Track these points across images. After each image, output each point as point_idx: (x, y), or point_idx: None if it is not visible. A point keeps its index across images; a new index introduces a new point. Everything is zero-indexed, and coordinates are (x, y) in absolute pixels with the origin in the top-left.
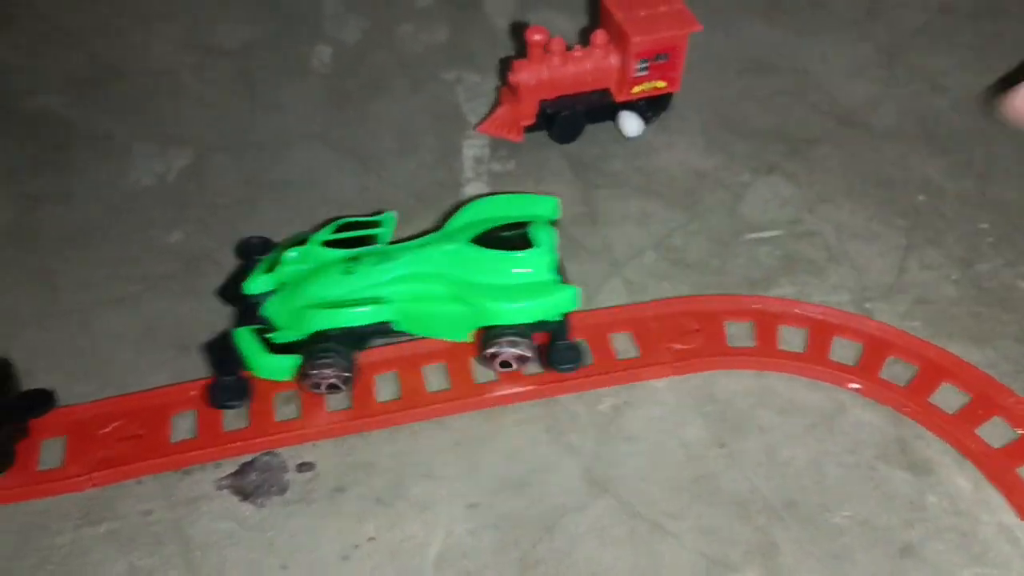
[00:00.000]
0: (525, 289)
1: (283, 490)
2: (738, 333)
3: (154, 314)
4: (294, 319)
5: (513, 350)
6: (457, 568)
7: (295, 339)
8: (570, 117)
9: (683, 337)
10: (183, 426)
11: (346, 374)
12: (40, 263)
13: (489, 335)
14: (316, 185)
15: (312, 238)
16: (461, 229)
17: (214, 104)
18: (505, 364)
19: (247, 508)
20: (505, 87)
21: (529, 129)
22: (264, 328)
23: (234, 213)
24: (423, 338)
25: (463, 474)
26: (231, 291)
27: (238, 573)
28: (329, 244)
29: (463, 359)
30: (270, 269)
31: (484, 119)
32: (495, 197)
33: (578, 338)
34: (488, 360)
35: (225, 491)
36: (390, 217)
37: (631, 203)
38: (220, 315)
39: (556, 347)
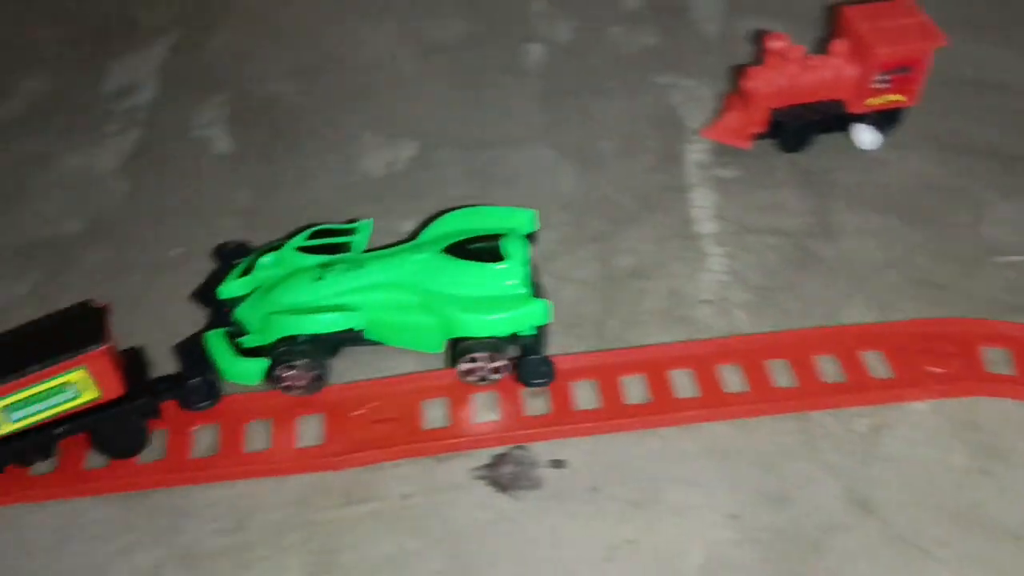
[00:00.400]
0: (495, 301)
1: (537, 485)
2: (995, 359)
3: None
4: (263, 324)
5: (487, 364)
6: None
7: (263, 343)
8: (801, 126)
9: (939, 360)
10: (433, 414)
11: (317, 375)
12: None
13: (461, 348)
14: (542, 183)
15: (287, 244)
16: (434, 239)
17: (434, 97)
18: (483, 379)
19: (504, 500)
20: (733, 93)
21: (757, 137)
22: (235, 332)
23: (468, 204)
24: (394, 346)
25: (720, 483)
26: (205, 294)
27: (504, 563)
28: (304, 250)
29: (710, 366)
30: (245, 273)
31: (710, 124)
32: (471, 209)
33: (826, 353)
34: (463, 374)
35: (481, 481)
36: (366, 225)
37: (867, 217)
38: None
39: (528, 361)
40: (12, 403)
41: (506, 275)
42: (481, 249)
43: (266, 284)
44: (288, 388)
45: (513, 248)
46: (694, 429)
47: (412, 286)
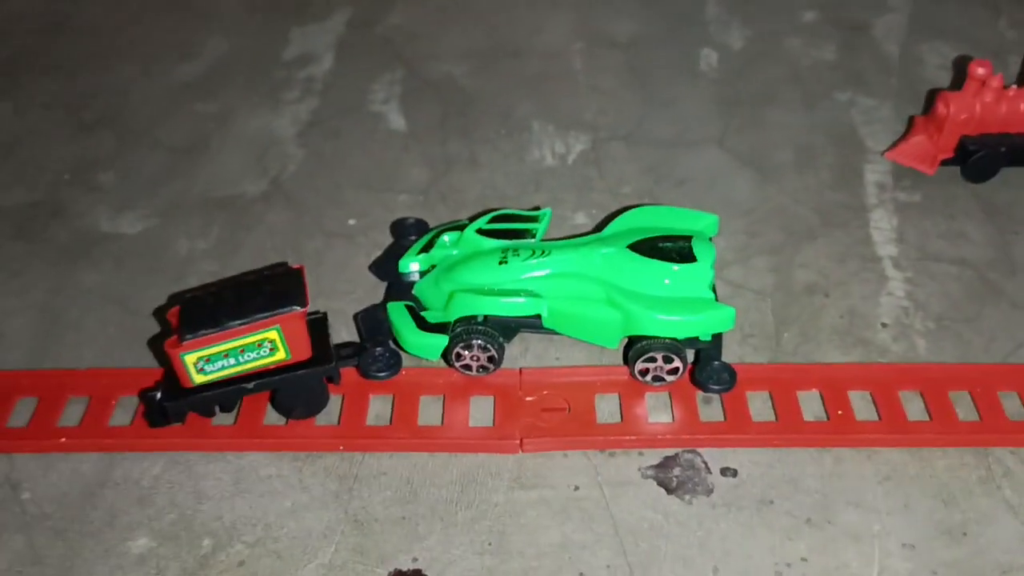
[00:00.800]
0: (682, 303)
1: (709, 491)
2: None
3: None
4: (444, 301)
5: (667, 364)
6: None
7: (445, 320)
8: (991, 156)
9: None
10: (606, 408)
11: (491, 357)
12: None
13: (641, 347)
14: (715, 188)
15: (469, 225)
16: (619, 235)
17: (607, 93)
18: (657, 379)
19: (674, 502)
20: (922, 116)
21: (942, 163)
22: (414, 306)
23: (638, 203)
24: (569, 337)
25: (896, 511)
26: (384, 268)
27: (670, 564)
28: (485, 233)
29: (891, 390)
30: (424, 250)
31: (893, 145)
32: (656, 207)
33: (1009, 390)
34: (639, 373)
35: (650, 480)
36: (547, 214)
37: None
38: None
39: (710, 366)
40: (208, 355)
41: (696, 277)
42: (669, 249)
43: (446, 262)
44: (466, 367)
45: (703, 251)
46: (871, 453)
47: (598, 279)
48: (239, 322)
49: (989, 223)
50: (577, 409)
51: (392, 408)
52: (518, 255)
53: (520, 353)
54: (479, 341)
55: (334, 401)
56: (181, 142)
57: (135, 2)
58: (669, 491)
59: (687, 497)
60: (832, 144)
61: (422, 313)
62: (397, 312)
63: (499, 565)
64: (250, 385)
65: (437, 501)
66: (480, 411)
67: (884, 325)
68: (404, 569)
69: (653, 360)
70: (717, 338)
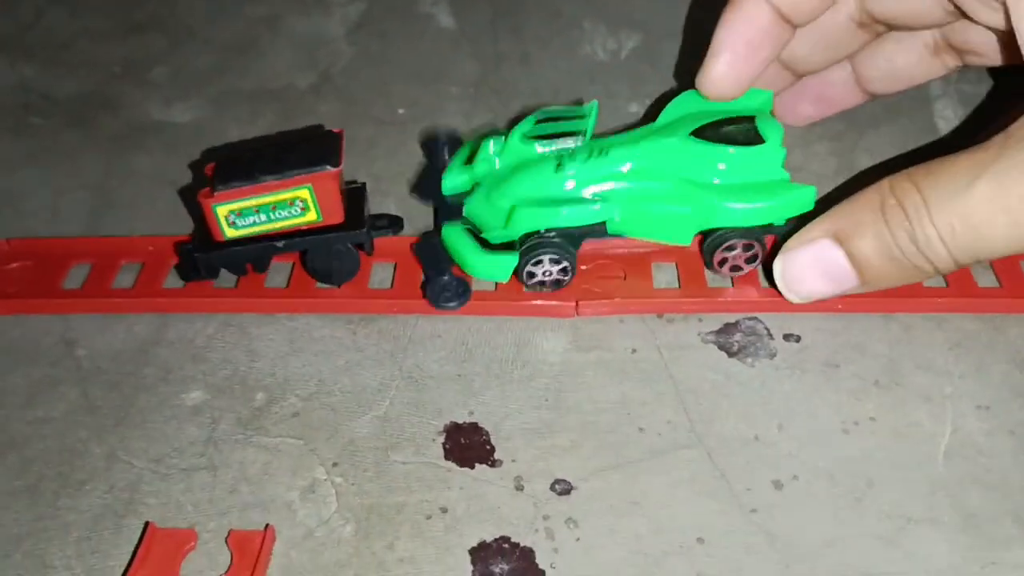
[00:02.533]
0: (758, 188)
1: (772, 355)
2: None
3: None
4: (503, 218)
5: (745, 252)
6: (973, 464)
7: (509, 238)
8: None
9: None
10: (662, 277)
11: (566, 268)
12: (510, 115)
13: (716, 239)
14: None
15: (513, 131)
16: (676, 123)
17: None
18: (735, 268)
19: (735, 364)
20: None
21: None
22: (471, 228)
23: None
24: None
25: (969, 374)
26: (425, 189)
27: (733, 421)
28: (531, 138)
29: None
30: (467, 164)
31: None
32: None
33: None
34: (716, 266)
35: (710, 345)
36: (593, 107)
37: None
38: None
39: None
40: (239, 209)
41: (768, 158)
42: (734, 132)
43: (494, 176)
44: (540, 284)
45: (770, 129)
46: (940, 320)
47: (664, 174)
48: (271, 177)
49: None
50: (633, 275)
51: None
52: (574, 158)
53: None
54: (551, 255)
55: (388, 268)
56: (231, 41)
57: None
58: (730, 355)
59: (749, 360)
60: None
61: (492, 236)
62: (455, 236)
63: (557, 419)
64: (280, 243)
65: (492, 361)
66: None
67: None
68: (460, 422)
69: (732, 249)
70: (790, 221)
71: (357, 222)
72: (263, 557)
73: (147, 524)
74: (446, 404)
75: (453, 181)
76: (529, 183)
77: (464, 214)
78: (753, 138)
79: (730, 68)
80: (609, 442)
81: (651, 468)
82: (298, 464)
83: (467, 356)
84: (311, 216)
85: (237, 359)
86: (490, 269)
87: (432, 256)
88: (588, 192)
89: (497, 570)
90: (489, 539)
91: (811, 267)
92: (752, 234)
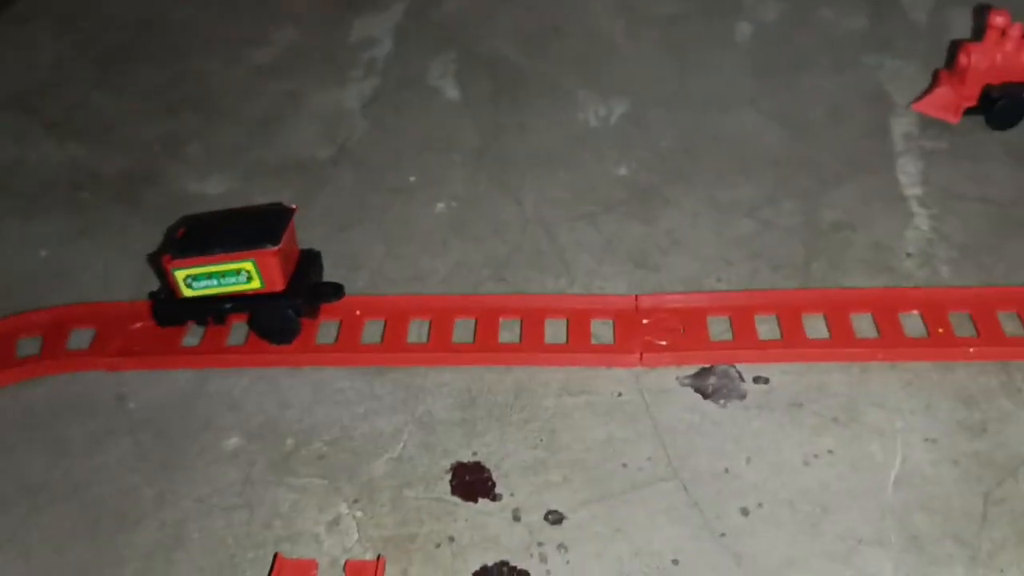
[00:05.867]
0: None
1: (742, 396)
2: None
3: (612, 232)
4: None
5: None
6: (919, 492)
7: None
8: (1014, 104)
9: None
10: (716, 329)
11: None
12: (508, 180)
13: None
14: (748, 143)
15: None
16: None
17: (646, 63)
18: None
19: (709, 406)
20: (945, 69)
21: (967, 112)
22: None
23: (676, 156)
24: None
25: (918, 411)
26: None
27: (706, 457)
28: None
29: (942, 311)
30: None
31: (919, 97)
32: None
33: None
34: None
35: (687, 388)
36: None
37: None
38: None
39: None
40: (194, 274)
41: None
42: None
43: None
44: None
45: None
46: (898, 365)
47: None
48: (220, 250)
49: (1014, 165)
50: (691, 329)
51: (521, 328)
52: None
53: (567, 284)
54: None
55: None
56: (258, 116)
57: (215, 1)
58: (705, 396)
59: (721, 401)
60: (861, 102)
61: None
62: None
63: (550, 457)
64: (228, 305)
65: (493, 406)
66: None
67: (909, 255)
68: (465, 461)
69: None
70: None
71: (298, 291)
72: None
73: (275, 555)
74: (452, 445)
75: None
76: None
77: None
78: None
79: None
80: (596, 477)
81: (632, 499)
82: (324, 501)
83: (471, 402)
84: (255, 284)
85: (269, 408)
86: None
87: None
88: None
89: None
90: (490, 563)
91: None
92: None
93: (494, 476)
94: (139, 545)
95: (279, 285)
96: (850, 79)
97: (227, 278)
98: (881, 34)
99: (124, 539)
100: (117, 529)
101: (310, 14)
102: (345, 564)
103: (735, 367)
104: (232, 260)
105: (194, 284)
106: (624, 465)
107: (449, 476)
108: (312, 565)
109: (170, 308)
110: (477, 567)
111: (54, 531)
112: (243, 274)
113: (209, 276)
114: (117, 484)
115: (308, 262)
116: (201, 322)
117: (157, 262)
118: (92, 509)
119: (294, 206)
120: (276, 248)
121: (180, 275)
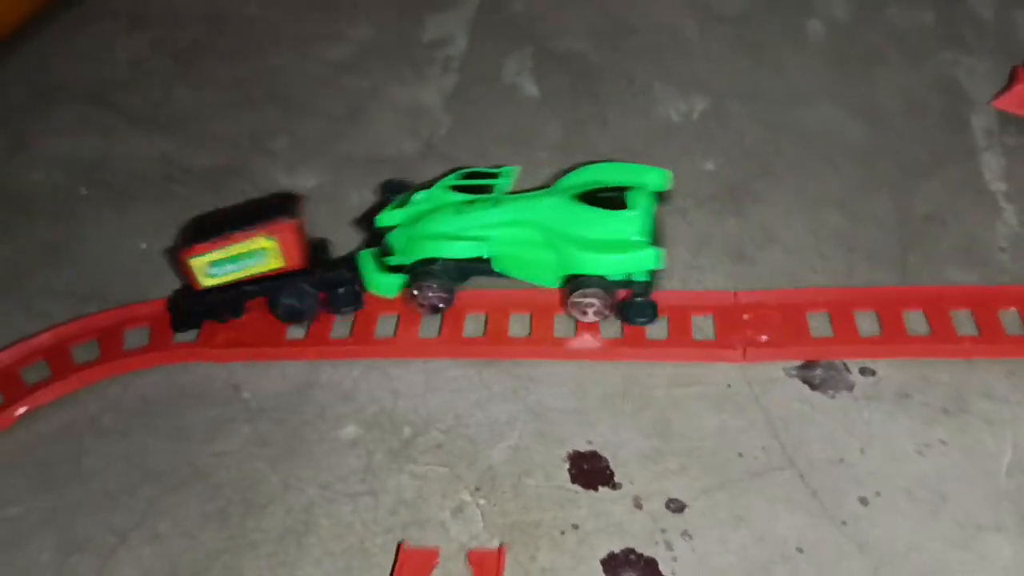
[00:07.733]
0: (613, 244)
1: (850, 388)
2: None
3: (703, 226)
4: (408, 247)
5: (597, 300)
6: None
7: (405, 263)
8: None
9: None
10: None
11: (445, 296)
12: None
13: (576, 284)
14: (830, 136)
15: (439, 183)
16: (569, 187)
17: (719, 60)
18: (597, 313)
19: (818, 396)
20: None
21: None
22: (383, 252)
23: (761, 151)
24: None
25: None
26: (367, 221)
27: (820, 447)
28: (454, 189)
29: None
30: (400, 206)
31: (999, 94)
32: (609, 164)
33: None
34: (574, 307)
35: (795, 379)
36: (511, 171)
37: None
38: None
39: (633, 303)
40: (214, 260)
41: (627, 223)
42: (609, 199)
43: (416, 214)
44: (420, 306)
45: (637, 201)
46: (1002, 360)
47: (539, 225)
48: (240, 230)
49: None
50: (791, 324)
51: (621, 324)
52: (475, 206)
53: (664, 279)
54: (430, 283)
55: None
56: (341, 112)
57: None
58: (813, 387)
59: (830, 392)
60: (938, 96)
61: (390, 259)
62: (365, 258)
63: (665, 446)
64: (250, 288)
65: (605, 397)
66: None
67: (1002, 249)
68: (582, 450)
69: (586, 296)
70: (651, 281)
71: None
72: (500, 573)
73: (399, 544)
74: (567, 434)
75: (386, 218)
76: (432, 221)
77: (385, 242)
78: (619, 205)
79: None
80: (713, 465)
81: (751, 488)
82: (446, 488)
83: (582, 393)
84: (275, 263)
85: (383, 398)
86: (382, 287)
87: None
88: (475, 233)
89: None
90: (617, 551)
91: None
92: (606, 284)
93: (612, 465)
94: (269, 530)
95: (299, 261)
96: (925, 75)
97: (245, 260)
98: (951, 31)
99: (254, 524)
100: (246, 514)
101: (382, 11)
102: (468, 554)
103: (841, 360)
104: (251, 238)
105: (212, 271)
106: (740, 454)
107: (567, 465)
108: (434, 554)
109: (188, 302)
110: (604, 554)
111: (182, 516)
112: (262, 254)
113: (227, 260)
114: (241, 470)
115: (320, 247)
116: (219, 318)
117: (175, 263)
118: (218, 494)
119: (302, 195)
120: (295, 221)
121: (198, 263)
